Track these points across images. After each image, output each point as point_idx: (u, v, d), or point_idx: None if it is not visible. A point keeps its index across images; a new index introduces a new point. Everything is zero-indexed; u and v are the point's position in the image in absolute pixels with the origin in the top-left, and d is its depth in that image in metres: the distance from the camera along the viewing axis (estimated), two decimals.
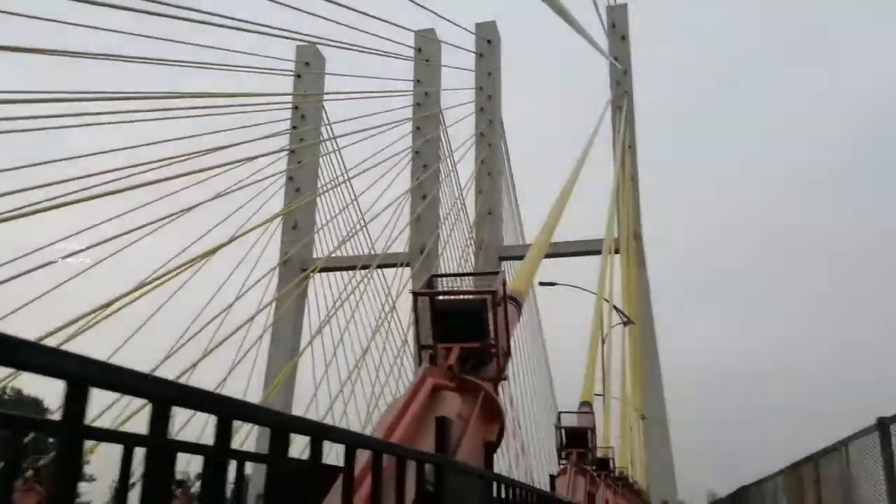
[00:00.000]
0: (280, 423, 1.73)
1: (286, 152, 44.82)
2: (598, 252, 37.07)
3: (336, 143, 46.82)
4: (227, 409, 1.49)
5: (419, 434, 3.77)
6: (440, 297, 5.14)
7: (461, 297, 5.32)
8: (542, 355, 57.00)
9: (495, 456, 5.03)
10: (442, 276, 5.76)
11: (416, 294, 5.14)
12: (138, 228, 22.18)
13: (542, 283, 33.17)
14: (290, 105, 47.37)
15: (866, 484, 4.72)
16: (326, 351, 36.11)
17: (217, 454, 1.51)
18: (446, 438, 3.03)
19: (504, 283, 5.39)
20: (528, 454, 46.00)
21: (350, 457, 2.13)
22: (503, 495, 4.35)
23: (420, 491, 2.78)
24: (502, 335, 5.17)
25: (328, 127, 48.43)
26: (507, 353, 5.35)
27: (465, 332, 5.00)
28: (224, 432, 1.52)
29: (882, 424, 4.21)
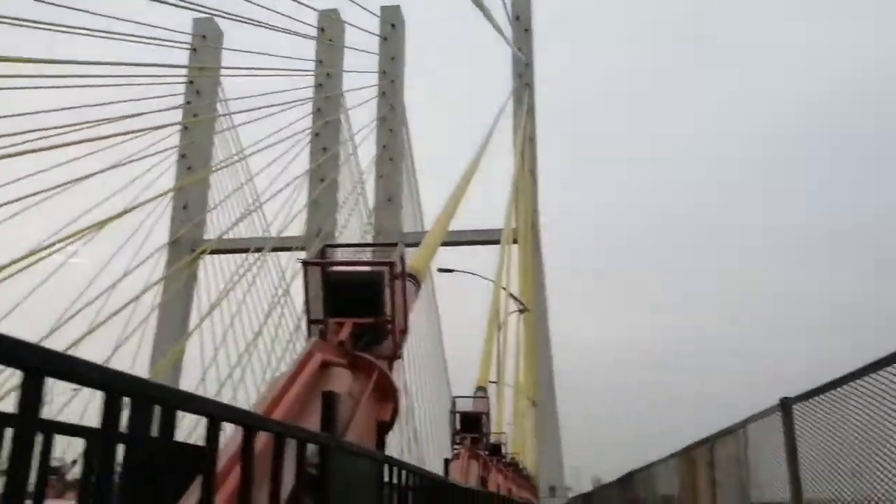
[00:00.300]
0: (114, 385, 1.35)
1: (178, 128, 43.11)
2: (497, 242, 37.33)
3: (232, 120, 45.36)
4: (31, 360, 1.12)
5: (304, 412, 3.43)
6: (333, 268, 4.78)
7: (356, 268, 4.99)
8: (437, 341, 57.09)
9: (388, 442, 4.73)
10: (335, 246, 5.40)
11: (306, 264, 4.77)
12: (15, 201, 20.78)
13: (440, 270, 33.07)
14: (184, 79, 45.57)
15: (765, 465, 4.69)
16: (218, 333, 35.06)
17: (20, 422, 1.14)
18: (333, 416, 2.70)
19: (403, 257, 5.08)
20: (420, 441, 46.00)
21: (213, 432, 1.77)
22: (395, 480, 4.06)
23: (302, 474, 2.44)
24: (399, 311, 4.87)
25: (224, 104, 46.89)
26: (405, 331, 5.06)
27: (359, 306, 4.66)
28: (31, 392, 1.14)
29: (785, 405, 4.15)
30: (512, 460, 22.61)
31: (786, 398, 4.13)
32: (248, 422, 2.02)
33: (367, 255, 5.21)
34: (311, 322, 4.73)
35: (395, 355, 4.79)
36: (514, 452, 27.17)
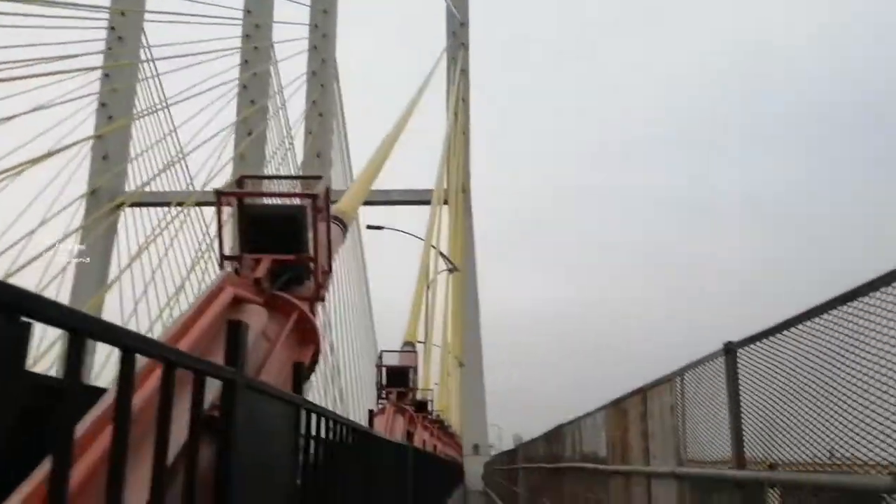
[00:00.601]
0: None
1: (98, 76, 41.22)
2: (427, 202, 37.09)
3: (156, 69, 43.62)
4: None
5: (211, 350, 3.07)
6: (251, 200, 4.38)
7: (276, 200, 4.59)
8: (365, 298, 56.73)
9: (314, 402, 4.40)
10: (253, 177, 4.96)
11: (220, 194, 4.34)
12: None
13: (369, 227, 32.58)
14: (105, 24, 43.55)
15: (701, 414, 4.56)
16: (139, 288, 34.03)
17: None
18: (240, 347, 2.34)
19: (328, 191, 4.70)
20: (347, 401, 45.77)
21: (75, 351, 1.39)
22: (314, 429, 3.75)
23: (197, 416, 2.06)
24: (322, 249, 4.50)
25: (147, 50, 45.03)
26: (328, 271, 4.70)
27: (278, 242, 4.28)
28: None
29: (729, 350, 3.99)
30: (437, 418, 22.61)
31: (730, 342, 3.97)
32: (126, 342, 1.60)
33: (288, 185, 4.80)
34: (224, 258, 4.33)
35: (317, 297, 4.43)
36: (440, 410, 27.22)
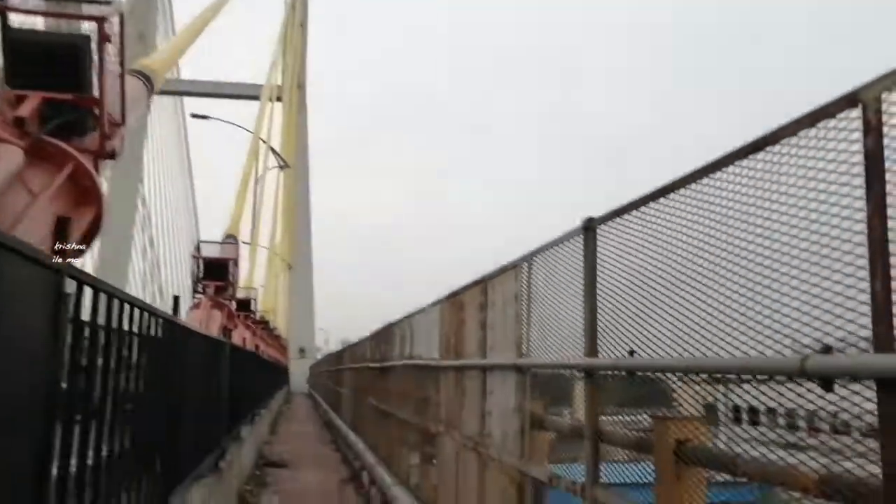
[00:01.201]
0: None
1: None
2: (259, 98, 35.39)
3: None
4: None
5: None
6: (16, 21, 3.43)
7: (50, 22, 3.65)
8: (189, 190, 54.07)
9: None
10: None
11: None
12: None
13: (194, 116, 30.45)
14: None
15: (550, 297, 4.22)
16: None
17: None
18: None
19: (122, 20, 3.80)
20: (167, 299, 43.79)
21: None
22: (90, 307, 3.02)
23: None
24: (113, 93, 3.64)
25: None
26: (119, 124, 3.84)
27: (52, 77, 3.38)
28: None
29: (589, 227, 3.61)
30: (262, 318, 21.91)
31: (591, 218, 3.59)
32: None
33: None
34: None
35: (102, 151, 3.59)
36: (266, 311, 26.45)
